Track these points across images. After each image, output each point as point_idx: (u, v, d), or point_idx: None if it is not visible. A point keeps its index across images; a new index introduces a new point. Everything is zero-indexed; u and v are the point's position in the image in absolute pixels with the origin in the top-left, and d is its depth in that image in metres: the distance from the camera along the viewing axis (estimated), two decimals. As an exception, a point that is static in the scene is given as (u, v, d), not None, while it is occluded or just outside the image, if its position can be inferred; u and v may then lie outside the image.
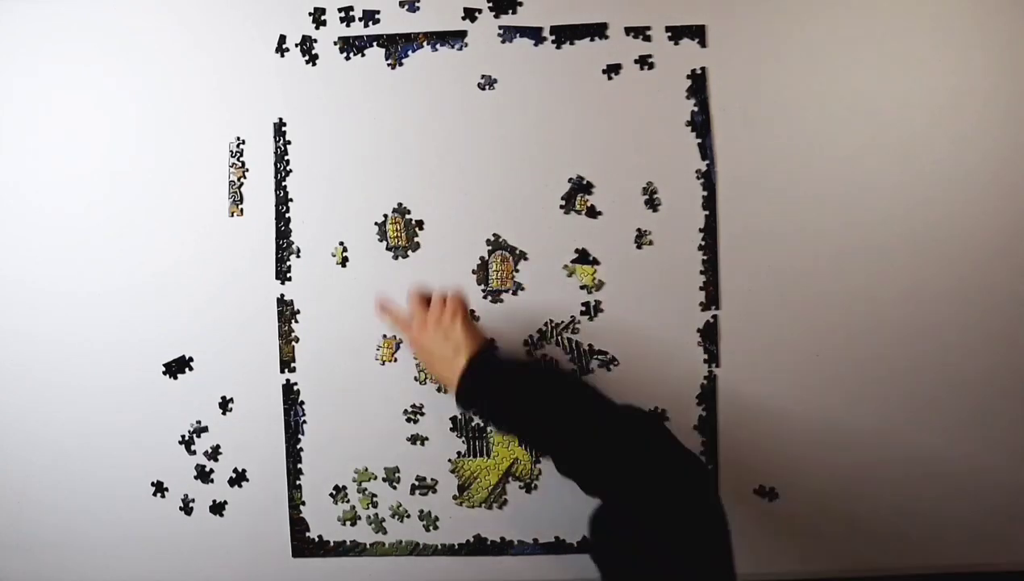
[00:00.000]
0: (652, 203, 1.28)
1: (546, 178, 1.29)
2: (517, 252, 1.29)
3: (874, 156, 1.27)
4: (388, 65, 1.30)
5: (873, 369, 1.27)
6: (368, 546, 1.31)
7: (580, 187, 1.27)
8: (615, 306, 1.28)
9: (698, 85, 1.28)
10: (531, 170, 1.29)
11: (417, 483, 1.31)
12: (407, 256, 1.30)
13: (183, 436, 1.32)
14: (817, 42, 1.28)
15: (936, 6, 1.28)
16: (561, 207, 1.28)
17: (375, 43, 1.30)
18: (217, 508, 1.32)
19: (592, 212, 1.27)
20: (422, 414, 1.30)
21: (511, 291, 1.29)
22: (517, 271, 1.29)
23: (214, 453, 1.32)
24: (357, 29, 1.31)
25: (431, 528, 1.31)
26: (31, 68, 1.33)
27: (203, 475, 1.32)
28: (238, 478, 1.31)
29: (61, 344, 1.32)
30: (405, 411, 1.30)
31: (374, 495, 1.31)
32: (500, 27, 1.30)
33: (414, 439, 1.30)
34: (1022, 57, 1.26)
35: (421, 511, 1.31)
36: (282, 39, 1.31)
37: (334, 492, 1.31)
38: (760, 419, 1.27)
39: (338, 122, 1.31)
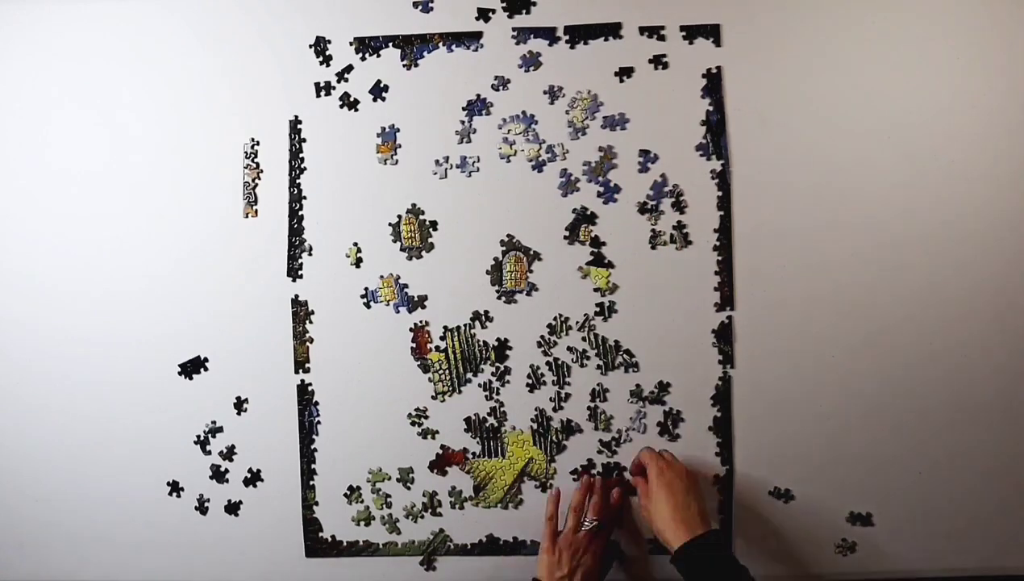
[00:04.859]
0: (667, 204, 1.28)
1: (561, 180, 1.29)
2: (531, 253, 1.29)
3: (890, 156, 1.26)
4: (404, 66, 1.30)
5: (889, 370, 1.26)
6: (381, 546, 1.32)
7: (584, 217, 1.27)
8: (629, 306, 1.28)
9: (713, 84, 1.28)
10: (545, 171, 1.29)
11: (431, 484, 1.31)
12: (421, 256, 1.30)
13: (198, 436, 1.32)
14: (833, 41, 1.27)
15: (952, 6, 1.27)
16: (565, 238, 1.28)
17: (391, 44, 1.31)
18: (232, 508, 1.32)
19: (596, 242, 1.27)
20: (426, 417, 1.30)
21: (525, 292, 1.29)
22: (531, 272, 1.29)
23: (229, 453, 1.32)
24: (372, 30, 1.31)
25: (444, 528, 1.31)
26: (46, 70, 1.34)
27: (218, 475, 1.32)
28: (253, 478, 1.32)
29: (77, 345, 1.33)
30: (409, 415, 1.30)
31: (388, 495, 1.31)
32: (514, 28, 1.30)
33: (428, 438, 1.30)
34: (1040, 56, 1.26)
35: (435, 511, 1.31)
36: (298, 40, 1.31)
37: (348, 492, 1.31)
38: (776, 421, 1.27)
39: (353, 122, 1.31)
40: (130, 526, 1.33)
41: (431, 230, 1.30)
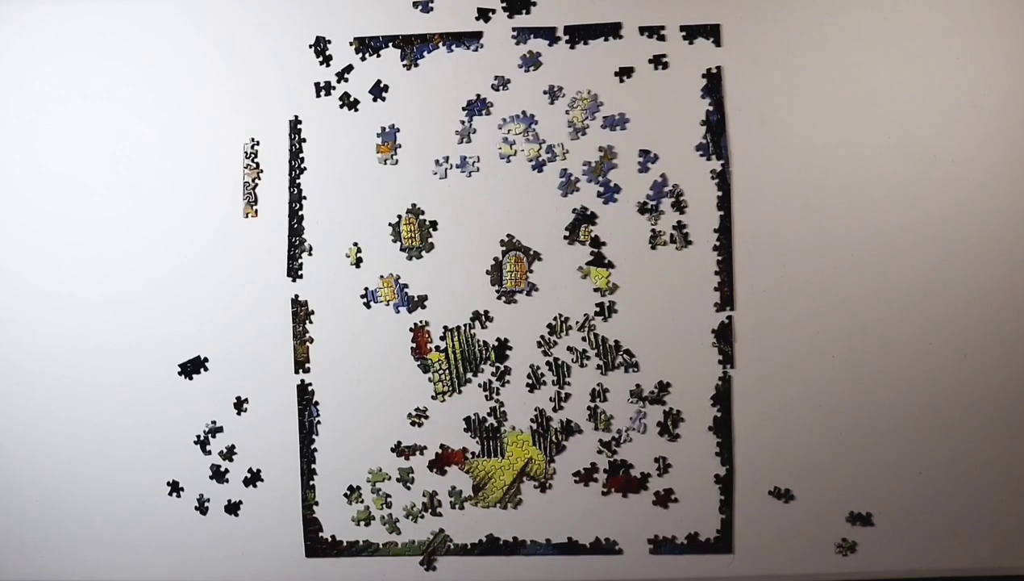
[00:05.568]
0: (667, 204, 1.28)
1: (561, 180, 1.29)
2: (531, 253, 1.29)
3: (891, 156, 1.26)
4: (404, 66, 1.30)
5: (889, 370, 1.26)
6: (381, 546, 1.32)
7: (584, 217, 1.27)
8: (629, 306, 1.28)
9: (713, 84, 1.28)
10: (545, 171, 1.29)
11: (431, 483, 1.31)
12: (421, 257, 1.30)
13: (198, 436, 1.32)
14: (833, 40, 1.27)
15: (952, 6, 1.27)
16: (565, 238, 1.28)
17: (391, 44, 1.31)
18: (232, 508, 1.32)
19: (596, 242, 1.28)
20: (426, 417, 1.30)
21: (525, 292, 1.29)
22: (531, 272, 1.29)
23: (229, 453, 1.32)
24: (372, 30, 1.31)
25: (444, 528, 1.31)
26: (46, 70, 1.34)
27: (218, 475, 1.32)
28: (253, 478, 1.32)
29: (77, 346, 1.33)
30: (409, 415, 1.30)
31: (388, 495, 1.31)
32: (514, 28, 1.30)
33: (428, 438, 1.31)
34: (1041, 56, 1.26)
35: (435, 511, 1.31)
36: (298, 40, 1.32)
37: (348, 492, 1.31)
38: (776, 420, 1.27)
39: (353, 122, 1.31)
40: (130, 526, 1.33)
41: (431, 230, 1.30)
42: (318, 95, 1.32)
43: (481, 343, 1.29)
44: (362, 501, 1.31)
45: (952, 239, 1.26)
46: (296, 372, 1.31)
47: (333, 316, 1.31)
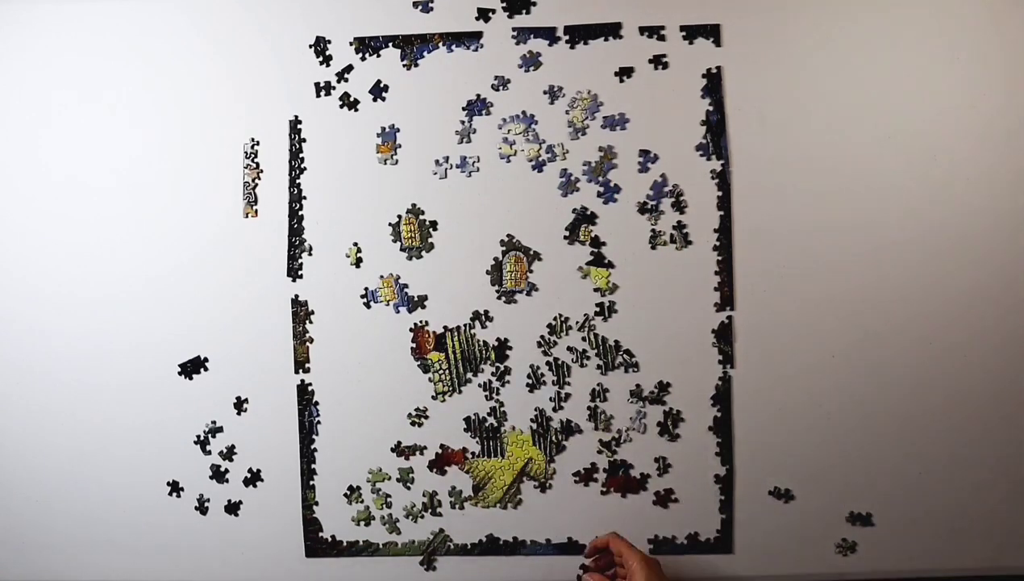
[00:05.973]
0: (667, 204, 1.28)
1: (561, 180, 1.29)
2: (531, 253, 1.29)
3: (891, 155, 1.26)
4: (404, 66, 1.30)
5: (889, 370, 1.26)
6: (381, 546, 1.32)
7: (584, 217, 1.27)
8: (629, 306, 1.28)
9: (713, 84, 1.28)
10: (546, 171, 1.29)
11: (431, 483, 1.31)
12: (421, 257, 1.30)
13: (198, 436, 1.32)
14: (833, 41, 1.27)
15: (952, 6, 1.27)
16: (565, 238, 1.28)
17: (391, 44, 1.31)
18: (232, 508, 1.32)
19: (596, 242, 1.28)
20: (426, 417, 1.30)
21: (525, 292, 1.29)
22: (531, 272, 1.29)
23: (229, 453, 1.32)
24: (372, 30, 1.31)
25: (444, 528, 1.31)
26: (45, 70, 1.34)
27: (218, 475, 1.32)
28: (253, 478, 1.32)
29: (77, 345, 1.33)
30: (409, 415, 1.30)
31: (388, 495, 1.31)
32: (514, 28, 1.30)
33: (428, 438, 1.31)
34: (1041, 56, 1.26)
35: (435, 511, 1.31)
36: (298, 40, 1.32)
37: (348, 492, 1.31)
38: (775, 420, 1.27)
39: (353, 122, 1.31)
40: (130, 526, 1.33)
41: (431, 230, 1.30)
42: (318, 95, 1.32)
43: (481, 343, 1.29)
44: (362, 501, 1.31)
45: (953, 239, 1.26)
46: (296, 372, 1.31)
47: (333, 316, 1.31)
